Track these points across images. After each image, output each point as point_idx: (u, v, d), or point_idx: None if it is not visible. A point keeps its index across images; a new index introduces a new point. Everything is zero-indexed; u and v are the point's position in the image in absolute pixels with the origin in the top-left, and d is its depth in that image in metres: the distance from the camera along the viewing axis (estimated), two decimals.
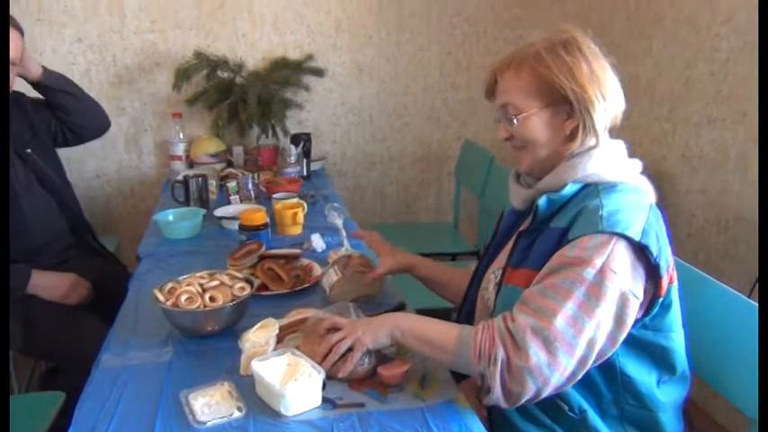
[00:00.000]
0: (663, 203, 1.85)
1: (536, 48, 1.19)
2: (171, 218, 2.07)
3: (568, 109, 1.18)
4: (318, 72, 2.97)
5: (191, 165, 2.85)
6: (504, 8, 3.08)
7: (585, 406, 1.16)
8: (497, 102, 1.24)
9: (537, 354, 1.03)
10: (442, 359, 1.15)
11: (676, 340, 1.18)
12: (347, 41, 3.02)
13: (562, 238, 1.12)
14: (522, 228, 1.26)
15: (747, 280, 2.09)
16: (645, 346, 1.14)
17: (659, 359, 1.17)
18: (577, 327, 1.04)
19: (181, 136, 2.87)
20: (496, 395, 1.07)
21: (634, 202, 1.14)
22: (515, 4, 3.08)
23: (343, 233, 1.74)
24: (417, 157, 3.23)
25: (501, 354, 1.05)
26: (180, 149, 2.86)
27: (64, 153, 2.18)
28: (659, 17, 2.58)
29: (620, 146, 1.23)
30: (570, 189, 1.17)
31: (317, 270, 1.70)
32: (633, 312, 1.07)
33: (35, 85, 2.05)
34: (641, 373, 1.14)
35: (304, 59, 2.96)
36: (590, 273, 1.05)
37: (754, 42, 2.09)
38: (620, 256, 1.06)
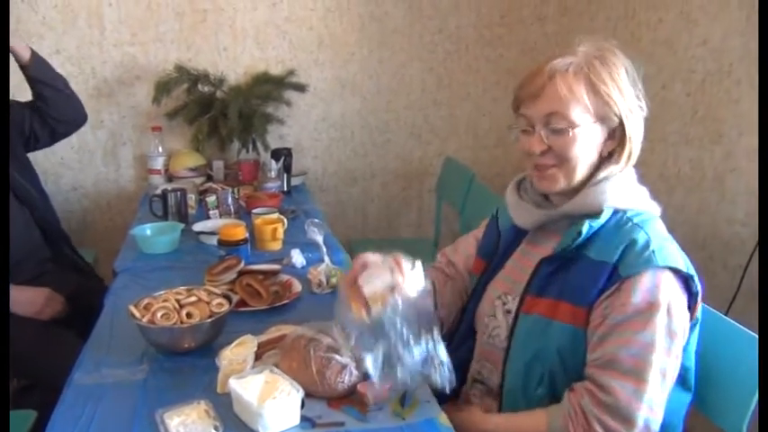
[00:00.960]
0: None
1: (588, 57, 1.14)
2: (148, 232, 2.04)
3: (611, 129, 1.14)
4: (300, 87, 2.97)
5: (170, 179, 2.82)
6: (485, 27, 3.11)
7: None
8: (541, 109, 1.13)
9: (646, 420, 1.04)
10: None
11: (693, 360, 1.17)
12: (329, 57, 3.03)
13: (612, 275, 1.08)
14: (543, 252, 1.19)
15: (724, 298, 2.11)
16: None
17: (682, 381, 1.15)
18: (663, 373, 1.06)
19: (160, 150, 2.84)
20: None
21: (665, 232, 1.14)
22: (496, 23, 3.11)
23: (324, 249, 1.72)
24: (399, 173, 3.23)
25: None
26: (159, 163, 2.83)
27: (40, 165, 2.16)
28: (636, 38, 2.62)
29: (631, 171, 1.21)
30: (606, 215, 1.13)
31: (297, 286, 1.68)
32: (686, 339, 1.11)
33: (22, 68, 2.03)
34: (671, 399, 1.12)
35: (286, 75, 2.95)
36: (662, 316, 1.05)
37: (731, 64, 2.13)
38: (675, 290, 1.08)
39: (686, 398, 1.18)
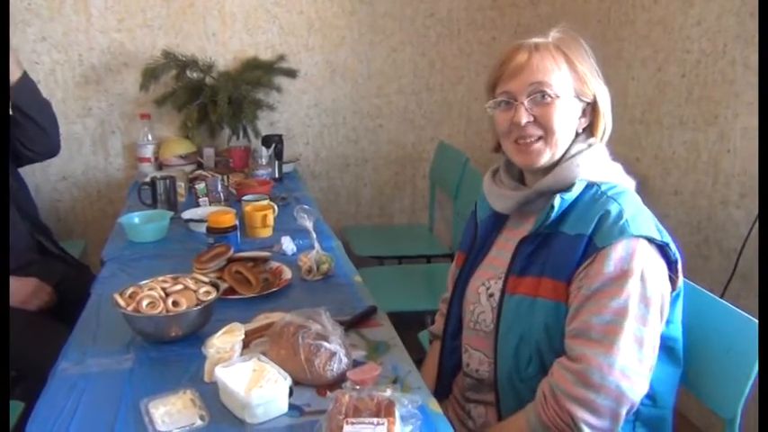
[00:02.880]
0: None
1: (561, 39, 1.19)
2: (137, 220, 2.01)
3: (585, 106, 1.19)
4: (291, 73, 2.93)
5: (160, 167, 2.79)
6: (477, 10, 3.07)
7: None
8: (525, 81, 1.15)
9: (619, 385, 1.03)
10: None
11: (680, 330, 1.18)
12: (320, 42, 2.98)
13: (588, 247, 1.09)
14: (521, 233, 1.20)
15: (719, 280, 2.09)
16: (662, 341, 1.13)
17: (669, 352, 1.16)
18: (639, 340, 1.05)
19: (149, 137, 2.80)
20: None
21: (639, 202, 1.15)
22: (488, 5, 3.07)
23: (314, 235, 1.70)
24: (392, 158, 3.21)
25: (579, 414, 1.04)
26: (148, 151, 2.80)
27: None
28: (630, 20, 2.59)
29: (604, 148, 1.23)
30: (579, 189, 1.15)
31: (287, 273, 1.66)
32: (668, 308, 1.10)
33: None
34: (656, 370, 1.12)
35: (276, 60, 2.91)
36: (635, 283, 1.05)
37: (725, 44, 2.10)
38: (650, 258, 1.08)
39: (675, 370, 1.18)
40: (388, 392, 1.00)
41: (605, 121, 1.21)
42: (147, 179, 2.28)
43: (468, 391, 1.30)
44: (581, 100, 1.18)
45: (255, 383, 1.08)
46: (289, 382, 1.09)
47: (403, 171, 3.24)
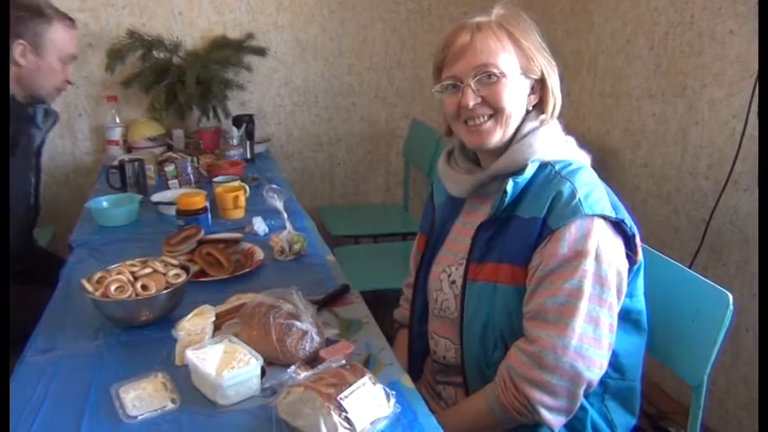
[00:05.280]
0: (607, 177, 1.87)
1: (503, 17, 1.15)
2: (105, 204, 1.98)
3: (533, 83, 1.17)
4: (260, 51, 2.88)
5: (129, 150, 2.74)
6: None
7: None
8: (469, 63, 1.12)
9: (573, 365, 1.04)
10: None
11: (643, 302, 1.19)
12: (289, 19, 2.94)
13: (542, 229, 1.09)
14: (480, 219, 1.19)
15: (688, 251, 2.13)
16: (625, 314, 1.14)
17: (634, 324, 1.17)
18: (594, 320, 1.05)
19: (117, 120, 2.75)
20: (557, 423, 1.08)
21: (594, 179, 1.14)
22: None
23: (285, 215, 1.69)
24: (365, 136, 3.19)
25: (535, 396, 1.05)
26: (116, 134, 2.74)
27: None
28: None
29: (556, 123, 1.22)
30: (531, 170, 1.14)
31: (259, 254, 1.64)
32: (625, 285, 1.10)
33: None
34: (623, 343, 1.13)
35: (245, 38, 2.86)
36: (590, 263, 1.05)
37: (693, 15, 2.11)
38: (606, 236, 1.08)
39: (641, 340, 1.20)
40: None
41: (555, 97, 1.18)
42: (116, 162, 2.24)
43: (438, 374, 1.31)
44: (528, 77, 1.15)
45: (227, 365, 1.08)
46: (260, 362, 1.09)
47: (377, 149, 3.22)
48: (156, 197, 2.06)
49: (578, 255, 1.05)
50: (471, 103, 1.13)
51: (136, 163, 2.19)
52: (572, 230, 1.06)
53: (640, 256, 1.15)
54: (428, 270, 1.32)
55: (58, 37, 1.83)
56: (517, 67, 1.14)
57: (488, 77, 1.12)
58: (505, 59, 1.12)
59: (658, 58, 2.28)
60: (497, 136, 1.16)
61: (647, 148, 2.36)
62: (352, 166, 3.22)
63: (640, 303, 1.18)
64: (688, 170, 2.17)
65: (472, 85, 1.13)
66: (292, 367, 1.08)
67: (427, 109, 3.18)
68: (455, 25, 1.17)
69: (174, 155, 2.54)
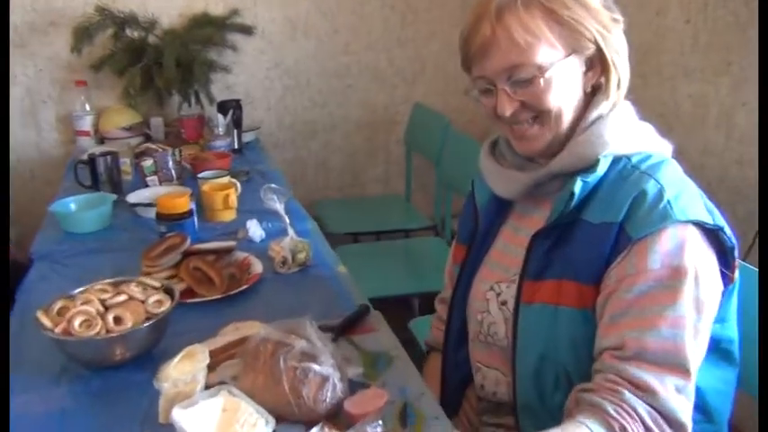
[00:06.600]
0: None
1: None
2: (73, 207, 1.71)
3: (588, 58, 0.93)
4: (246, 29, 2.61)
5: (101, 141, 2.47)
6: None
7: None
8: (497, 63, 0.91)
9: (688, 416, 0.83)
10: None
11: (735, 329, 0.96)
12: None
13: (618, 238, 0.87)
14: (535, 226, 0.97)
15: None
16: (714, 344, 0.91)
17: (725, 355, 0.95)
18: (698, 351, 0.85)
19: (87, 107, 2.46)
20: None
21: (682, 176, 0.93)
22: None
23: (286, 219, 1.43)
24: (363, 123, 2.93)
25: None
26: (87, 123, 2.46)
27: None
28: None
29: (628, 107, 0.98)
30: (605, 167, 0.91)
31: (257, 266, 1.39)
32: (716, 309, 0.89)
33: None
34: (711, 379, 0.92)
35: (228, 15, 2.58)
36: (689, 284, 0.84)
37: None
38: (701, 249, 0.86)
39: (732, 376, 0.98)
40: None
41: (618, 71, 0.94)
42: (85, 157, 1.96)
43: (485, 414, 1.07)
44: (580, 53, 0.92)
45: (228, 428, 0.83)
46: (272, 425, 0.84)
47: (375, 136, 2.97)
48: (132, 197, 1.79)
49: (676, 273, 0.84)
50: (509, 111, 0.93)
51: (108, 156, 1.92)
52: (663, 241, 0.85)
53: (737, 274, 0.93)
54: (468, 286, 1.08)
55: None
56: (560, 51, 0.91)
57: (523, 79, 0.91)
58: (541, 50, 0.89)
59: (696, 31, 2.04)
60: (546, 139, 0.95)
61: (682, 133, 2.13)
62: (350, 154, 2.97)
63: (732, 331, 0.96)
64: (733, 158, 1.95)
65: (507, 89, 0.92)
66: (316, 428, 0.83)
67: (430, 92, 2.92)
68: (472, 8, 0.94)
69: (153, 146, 2.26)
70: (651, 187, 0.87)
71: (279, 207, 1.42)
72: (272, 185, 1.44)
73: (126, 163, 2.02)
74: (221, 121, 2.34)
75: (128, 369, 1.04)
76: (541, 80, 0.90)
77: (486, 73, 0.93)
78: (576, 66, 0.92)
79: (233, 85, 2.72)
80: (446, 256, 1.23)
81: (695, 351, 0.84)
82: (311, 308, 1.21)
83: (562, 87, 0.92)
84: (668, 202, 0.86)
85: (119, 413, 0.95)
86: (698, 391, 0.88)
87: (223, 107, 2.39)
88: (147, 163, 1.90)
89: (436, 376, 1.15)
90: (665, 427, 0.80)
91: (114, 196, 1.78)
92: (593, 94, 0.95)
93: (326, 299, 1.29)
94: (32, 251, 1.55)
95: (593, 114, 0.94)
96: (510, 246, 1.04)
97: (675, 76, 2.15)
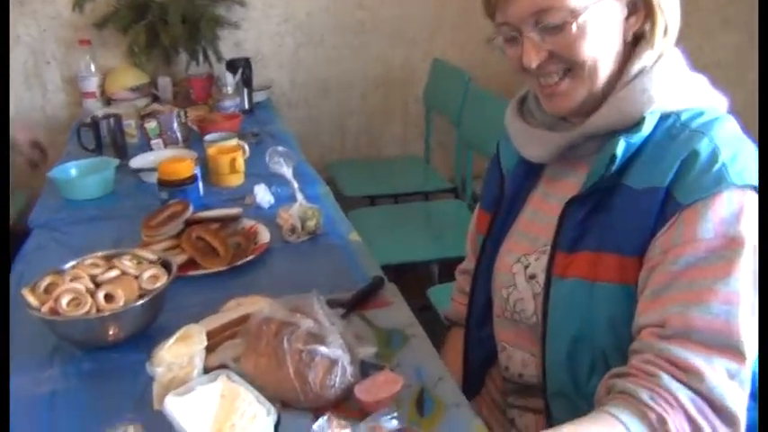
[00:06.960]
0: None
1: None
2: (74, 172, 1.63)
3: (630, 0, 0.80)
4: None
5: (108, 102, 2.38)
6: None
7: None
8: (522, 8, 0.79)
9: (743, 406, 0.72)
10: None
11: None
12: None
13: (665, 204, 0.76)
14: (569, 191, 0.86)
15: None
16: None
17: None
18: (754, 332, 0.73)
19: (92, 68, 2.37)
20: None
21: (739, 135, 0.80)
22: None
23: (294, 185, 1.34)
24: (380, 81, 2.80)
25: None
26: (92, 84, 2.37)
27: None
28: None
29: (678, 55, 0.85)
30: (651, 124, 0.80)
31: (264, 234, 1.30)
32: None
33: None
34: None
35: None
36: (747, 256, 0.73)
37: None
38: (756, 217, 0.75)
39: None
40: None
41: (665, 15, 0.82)
42: (88, 119, 1.88)
43: (511, 396, 0.98)
44: None
45: (226, 420, 0.75)
46: (274, 415, 0.76)
47: (393, 95, 2.84)
48: (135, 162, 1.70)
49: (731, 243, 0.73)
50: (535, 63, 0.81)
51: (111, 119, 1.83)
52: (716, 207, 0.74)
53: None
54: (493, 257, 0.98)
55: None
56: None
57: (552, 24, 0.78)
58: None
59: None
60: (580, 95, 0.83)
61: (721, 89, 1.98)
62: (366, 114, 2.85)
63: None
64: None
65: (534, 36, 0.80)
66: (321, 421, 0.74)
67: (451, 46, 2.77)
68: None
69: (160, 107, 2.18)
70: (704, 147, 0.76)
71: (286, 171, 1.32)
72: (279, 148, 1.34)
73: (131, 125, 1.94)
74: (230, 80, 2.23)
75: (122, 349, 0.97)
76: (574, 26, 0.78)
77: (510, 18, 0.81)
78: (615, 9, 0.80)
79: (242, 41, 2.60)
80: (467, 219, 1.13)
81: (751, 332, 0.73)
82: (321, 280, 1.13)
83: (598, 35, 0.80)
84: (723, 163, 0.75)
85: (109, 398, 0.88)
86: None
87: (232, 65, 2.28)
88: (151, 125, 1.81)
89: (458, 354, 1.06)
90: (713, 417, 0.70)
91: (117, 161, 1.69)
92: (636, 43, 0.83)
93: (337, 270, 1.20)
94: (30, 219, 1.48)
95: (636, 66, 0.82)
96: (540, 213, 0.93)
97: (712, 29, 1.99)
